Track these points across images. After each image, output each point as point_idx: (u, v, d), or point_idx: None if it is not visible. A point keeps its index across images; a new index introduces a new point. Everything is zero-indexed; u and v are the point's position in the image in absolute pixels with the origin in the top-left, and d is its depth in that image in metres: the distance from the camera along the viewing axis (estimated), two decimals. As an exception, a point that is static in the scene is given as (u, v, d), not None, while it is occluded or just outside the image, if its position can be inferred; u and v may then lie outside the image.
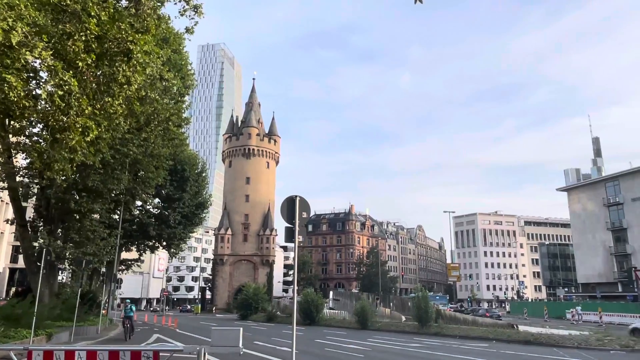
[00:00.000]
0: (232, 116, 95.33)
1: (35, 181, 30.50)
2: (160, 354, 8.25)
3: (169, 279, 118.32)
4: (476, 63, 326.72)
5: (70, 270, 37.64)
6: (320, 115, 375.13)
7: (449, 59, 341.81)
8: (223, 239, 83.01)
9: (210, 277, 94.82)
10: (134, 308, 25.56)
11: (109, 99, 14.76)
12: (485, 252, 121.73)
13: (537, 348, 20.38)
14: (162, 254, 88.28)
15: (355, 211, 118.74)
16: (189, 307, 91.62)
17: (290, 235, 8.89)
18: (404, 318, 36.30)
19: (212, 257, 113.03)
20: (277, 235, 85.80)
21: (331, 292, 58.37)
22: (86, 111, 13.74)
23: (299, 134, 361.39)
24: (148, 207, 40.11)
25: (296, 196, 9.08)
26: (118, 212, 34.60)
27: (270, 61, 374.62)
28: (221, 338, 8.32)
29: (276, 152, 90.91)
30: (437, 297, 70.48)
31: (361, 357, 16.87)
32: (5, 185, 28.09)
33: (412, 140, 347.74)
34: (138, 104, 16.58)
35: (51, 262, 28.02)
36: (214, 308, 78.22)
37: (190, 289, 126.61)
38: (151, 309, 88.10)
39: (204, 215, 44.41)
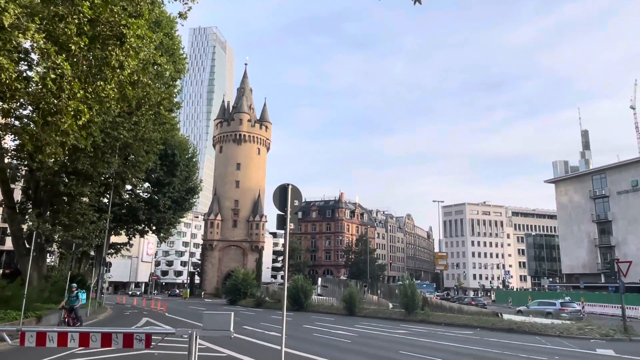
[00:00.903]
0: (223, 101, 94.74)
1: (24, 163, 30.27)
2: (153, 336, 8.40)
3: (157, 264, 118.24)
4: (468, 53, 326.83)
5: (59, 253, 37.62)
6: (312, 102, 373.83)
7: (441, 49, 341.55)
8: (213, 225, 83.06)
9: (199, 262, 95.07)
10: (82, 296, 20.25)
11: (101, 83, 14.69)
12: (472, 242, 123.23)
13: (520, 336, 20.92)
14: (151, 238, 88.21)
15: (345, 199, 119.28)
16: (177, 291, 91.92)
17: (281, 222, 9.04)
18: (391, 305, 36.83)
19: (201, 242, 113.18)
20: (266, 221, 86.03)
21: (320, 279, 58.82)
22: (78, 95, 13.68)
23: (290, 120, 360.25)
24: (138, 191, 40.04)
25: (288, 184, 9.22)
26: (108, 195, 34.50)
27: (263, 46, 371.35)
28: (212, 322, 8.47)
29: (267, 139, 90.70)
30: (424, 285, 71.34)
31: (348, 342, 17.21)
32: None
33: (403, 129, 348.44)
34: (130, 88, 16.49)
35: (40, 244, 27.97)
36: (202, 293, 78.55)
37: (178, 273, 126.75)
38: (129, 292, 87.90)
39: (194, 200, 44.41)
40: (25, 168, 30.36)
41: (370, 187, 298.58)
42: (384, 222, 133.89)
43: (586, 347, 17.12)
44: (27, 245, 28.24)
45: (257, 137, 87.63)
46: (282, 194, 9.13)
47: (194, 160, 44.04)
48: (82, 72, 13.90)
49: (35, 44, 11.14)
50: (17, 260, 30.50)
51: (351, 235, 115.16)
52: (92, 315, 26.27)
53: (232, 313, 8.38)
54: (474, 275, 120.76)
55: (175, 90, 31.20)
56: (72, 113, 13.81)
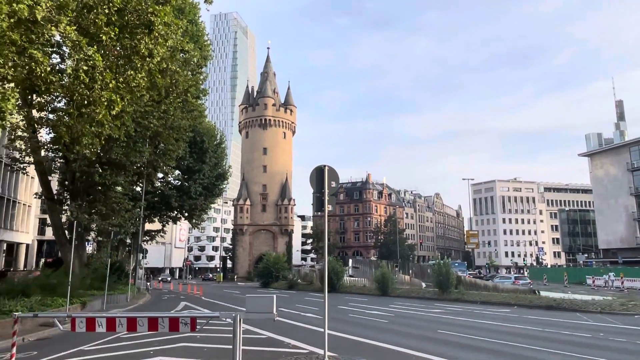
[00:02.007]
0: (247, 87, 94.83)
1: (60, 155, 31.13)
2: (198, 320, 8.54)
3: (190, 249, 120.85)
4: (494, 27, 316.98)
5: (96, 242, 38.81)
6: (335, 85, 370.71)
7: (465, 24, 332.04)
8: (242, 209, 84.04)
9: (231, 246, 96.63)
10: None
11: (132, 72, 14.83)
12: (503, 219, 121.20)
13: (560, 313, 20.50)
14: (183, 224, 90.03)
15: (373, 180, 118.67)
16: (210, 275, 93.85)
17: (319, 204, 8.97)
18: (424, 285, 36.67)
19: (231, 227, 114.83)
20: (295, 205, 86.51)
21: (350, 260, 59.03)
22: (110, 85, 13.84)
23: (314, 104, 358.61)
24: (169, 179, 40.72)
25: (324, 165, 9.12)
26: (140, 184, 35.23)
27: (283, 30, 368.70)
28: (255, 305, 8.55)
29: (292, 122, 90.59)
30: (456, 264, 70.72)
31: (385, 322, 17.22)
32: (32, 159, 28.84)
33: (428, 107, 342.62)
34: (160, 76, 16.61)
35: (80, 233, 28.87)
36: (235, 276, 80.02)
37: (211, 258, 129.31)
38: (160, 278, 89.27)
39: (223, 186, 44.92)
40: (61, 160, 31.22)
41: (397, 168, 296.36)
42: (412, 202, 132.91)
43: (631, 323, 16.66)
44: (67, 235, 29.23)
45: (282, 121, 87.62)
46: (318, 176, 9.04)
47: (222, 146, 44.42)
48: (112, 62, 14.05)
49: (66, 36, 11.25)
50: (59, 249, 31.62)
51: (379, 216, 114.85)
52: (132, 301, 27.06)
53: (275, 296, 8.44)
54: (506, 253, 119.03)
55: (202, 77, 31.36)
56: (105, 103, 13.99)
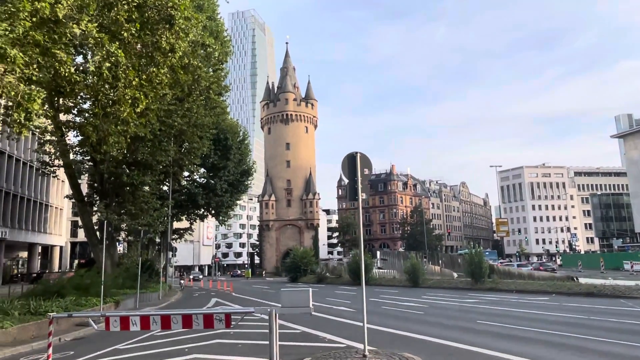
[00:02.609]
0: (267, 83, 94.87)
1: (88, 158, 31.61)
2: (232, 316, 8.32)
3: (217, 246, 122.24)
4: (515, 11, 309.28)
5: (126, 242, 39.36)
6: (354, 78, 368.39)
7: (485, 9, 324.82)
8: (267, 205, 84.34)
9: (257, 242, 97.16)
10: None
11: (154, 69, 14.71)
12: (533, 206, 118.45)
13: (602, 300, 19.67)
14: (210, 222, 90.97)
15: (397, 171, 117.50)
16: (239, 272, 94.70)
17: (353, 192, 8.62)
18: (455, 275, 35.96)
19: (257, 223, 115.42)
20: (320, 199, 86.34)
21: (378, 252, 58.51)
22: (134, 82, 13.74)
23: (333, 97, 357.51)
24: (195, 177, 40.96)
25: (356, 152, 8.75)
26: (167, 183, 35.51)
27: (300, 25, 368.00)
28: (291, 299, 8.27)
29: (314, 116, 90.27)
30: (487, 253, 69.35)
31: (421, 314, 16.79)
32: (61, 162, 29.34)
33: (449, 96, 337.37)
34: (182, 72, 16.49)
35: (110, 233, 29.24)
36: (263, 272, 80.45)
37: (238, 254, 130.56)
38: (191, 275, 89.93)
39: (248, 182, 44.98)
40: (90, 163, 31.64)
41: (421, 158, 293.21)
42: (437, 192, 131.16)
43: (681, 309, 15.81)
44: (99, 235, 29.63)
45: (303, 116, 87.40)
46: (350, 163, 8.68)
47: (246, 142, 44.45)
48: (135, 59, 13.94)
49: (88, 34, 11.13)
50: (91, 250, 32.16)
51: (405, 207, 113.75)
52: (164, 299, 27.28)
53: (310, 290, 8.15)
54: (537, 240, 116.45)
55: (223, 74, 31.27)
56: (129, 101, 13.91)
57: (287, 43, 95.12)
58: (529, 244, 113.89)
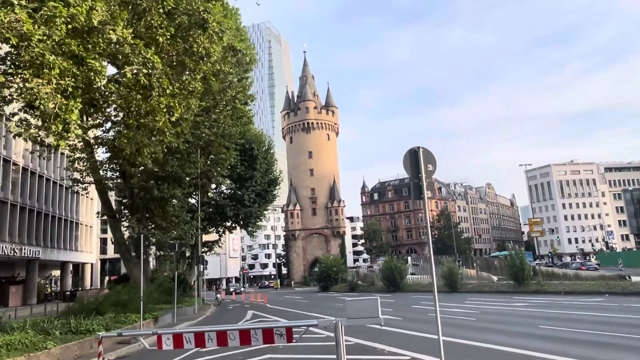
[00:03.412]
0: (287, 92, 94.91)
1: (116, 174, 31.67)
2: (294, 329, 7.69)
3: (243, 258, 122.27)
4: (531, 7, 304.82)
5: (156, 256, 39.22)
6: (371, 83, 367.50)
7: (501, 6, 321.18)
8: (292, 215, 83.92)
9: (283, 252, 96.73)
10: None
11: (187, 77, 14.34)
12: (563, 205, 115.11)
13: (665, 299, 18.43)
14: (235, 234, 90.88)
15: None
16: (266, 283, 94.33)
17: (417, 191, 7.92)
18: (495, 278, 34.69)
19: (281, 233, 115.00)
20: (345, 206, 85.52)
21: (409, 258, 57.30)
22: (167, 91, 13.34)
23: (352, 104, 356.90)
24: (222, 188, 40.69)
25: (418, 147, 8.07)
26: (195, 196, 35.27)
27: (315, 35, 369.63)
28: (358, 310, 7.58)
29: (335, 123, 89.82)
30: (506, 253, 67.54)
31: (473, 320, 15.88)
32: (92, 179, 29.37)
33: (468, 97, 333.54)
34: (214, 79, 16.11)
35: (144, 248, 29.03)
36: (292, 282, 79.84)
37: (264, 265, 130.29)
38: (232, 288, 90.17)
39: (276, 191, 44.54)
40: (119, 179, 31.62)
41: (444, 161, 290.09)
42: (463, 194, 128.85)
43: None
44: (132, 251, 29.47)
45: (325, 123, 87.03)
46: (413, 159, 8.00)
47: (271, 151, 44.08)
48: (168, 67, 13.58)
49: (124, 41, 10.75)
50: (124, 265, 32.03)
51: (431, 210, 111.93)
52: (199, 312, 26.85)
53: (378, 298, 7.46)
54: (569, 240, 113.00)
55: (248, 82, 31.00)
56: (164, 110, 13.51)
57: (304, 52, 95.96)
58: (561, 244, 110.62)
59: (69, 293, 44.81)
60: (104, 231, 77.10)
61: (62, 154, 46.72)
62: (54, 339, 12.98)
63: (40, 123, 12.52)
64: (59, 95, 10.02)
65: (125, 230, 29.96)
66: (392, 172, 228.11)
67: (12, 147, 38.47)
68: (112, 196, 36.06)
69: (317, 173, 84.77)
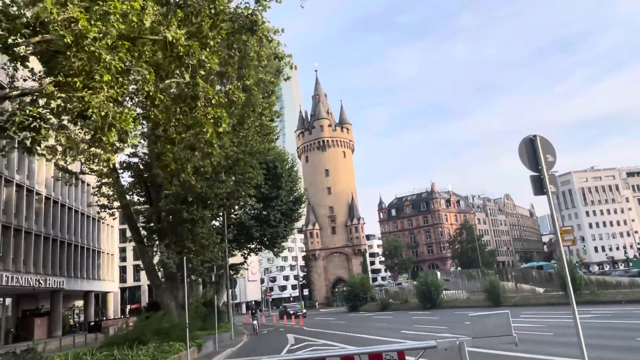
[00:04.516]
0: (300, 112, 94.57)
1: (143, 200, 30.94)
2: (406, 351, 6.55)
3: (261, 281, 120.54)
4: (532, 19, 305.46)
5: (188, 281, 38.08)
6: (377, 101, 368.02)
7: (502, 20, 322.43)
8: (312, 235, 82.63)
9: (303, 273, 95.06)
10: None
11: (231, 87, 13.50)
12: (587, 212, 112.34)
13: None
14: (254, 257, 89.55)
15: (437, 189, 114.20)
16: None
17: (538, 185, 6.85)
18: (541, 290, 33.00)
19: (298, 254, 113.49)
20: (364, 223, 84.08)
21: (439, 273, 55.51)
22: (212, 100, 12.48)
23: (361, 122, 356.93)
24: (247, 209, 39.69)
25: (535, 136, 7.02)
26: (219, 218, 34.35)
27: (320, 55, 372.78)
28: (485, 326, 6.42)
29: (350, 140, 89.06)
30: (555, 265, 65.27)
31: (551, 335, 14.51)
32: (118, 204, 28.64)
33: (474, 111, 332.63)
34: (256, 89, 15.27)
35: (174, 274, 28.02)
36: (316, 303, 78.08)
37: (282, 288, 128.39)
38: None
39: (301, 210, 43.46)
40: (145, 205, 30.80)
41: (458, 174, 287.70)
42: (482, 207, 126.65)
43: None
44: (162, 278, 28.43)
45: (340, 141, 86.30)
46: (529, 149, 6.94)
47: (295, 169, 43.16)
48: (216, 74, 12.77)
49: (177, 42, 9.91)
50: (154, 292, 30.97)
51: (450, 224, 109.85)
52: (236, 338, 25.59)
53: (509, 312, 6.34)
54: (595, 248, 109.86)
55: (274, 97, 30.23)
56: (211, 120, 12.64)
57: (316, 71, 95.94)
58: (587, 253, 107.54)
59: (92, 323, 43.75)
60: (122, 259, 76.38)
61: (83, 182, 46.28)
62: (102, 374, 11.93)
63: (65, 148, 11.66)
64: (111, 104, 9.18)
65: (156, 255, 29.03)
66: (408, 188, 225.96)
67: (35, 177, 37.99)
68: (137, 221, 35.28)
69: (334, 191, 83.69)
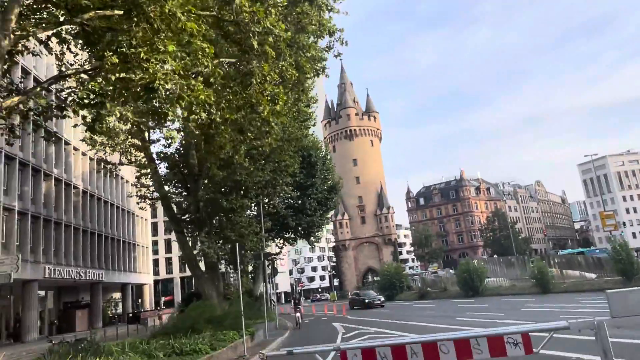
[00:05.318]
0: (326, 101, 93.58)
1: (179, 191, 30.80)
2: (531, 334, 5.80)
3: (290, 272, 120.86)
4: (557, 1, 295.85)
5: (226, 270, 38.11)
6: (400, 91, 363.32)
7: (527, 2, 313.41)
8: (342, 225, 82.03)
9: (332, 264, 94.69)
10: None
11: (283, 63, 12.83)
12: (624, 197, 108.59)
13: None
14: (287, 247, 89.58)
15: (466, 176, 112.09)
16: (318, 296, 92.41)
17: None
18: (594, 276, 31.66)
19: (326, 245, 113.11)
20: (394, 212, 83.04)
21: (475, 261, 54.28)
22: (267, 77, 11.84)
23: (385, 113, 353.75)
24: (283, 197, 39.30)
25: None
26: (256, 207, 33.97)
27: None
28: (627, 303, 5.63)
29: (377, 129, 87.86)
30: (597, 251, 63.30)
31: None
32: (157, 195, 28.52)
33: (499, 98, 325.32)
34: (308, 65, 14.56)
35: (213, 263, 27.80)
36: (348, 293, 77.50)
37: (311, 279, 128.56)
38: (301, 304, 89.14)
39: (336, 198, 42.82)
40: (184, 193, 30.64)
41: (487, 162, 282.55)
42: (512, 194, 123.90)
43: None
44: (203, 269, 28.21)
45: (367, 129, 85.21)
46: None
47: (329, 157, 42.51)
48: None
49: (240, 7, 9.29)
50: (195, 282, 30.92)
51: (481, 213, 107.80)
52: (280, 329, 25.18)
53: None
54: (633, 234, 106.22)
55: (311, 82, 29.54)
56: (268, 98, 12.04)
57: (340, 59, 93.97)
58: (625, 239, 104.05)
59: (131, 315, 44.19)
60: (154, 252, 77.35)
61: (117, 175, 46.60)
62: (163, 363, 11.57)
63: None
64: (177, 75, 8.64)
65: (197, 246, 28.87)
66: (435, 177, 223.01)
67: (72, 171, 38.32)
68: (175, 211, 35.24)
69: (363, 180, 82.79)
